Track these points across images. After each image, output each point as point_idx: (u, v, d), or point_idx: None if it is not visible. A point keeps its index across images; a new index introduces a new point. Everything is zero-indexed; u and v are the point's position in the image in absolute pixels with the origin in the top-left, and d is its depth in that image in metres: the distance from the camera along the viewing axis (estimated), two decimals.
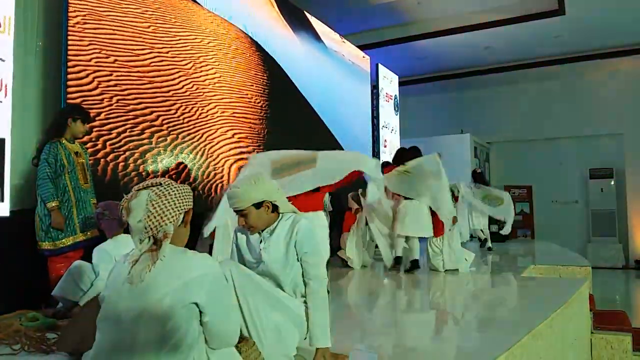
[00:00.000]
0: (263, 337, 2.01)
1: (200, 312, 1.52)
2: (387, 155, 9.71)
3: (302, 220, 2.22)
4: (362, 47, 9.46)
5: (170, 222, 1.54)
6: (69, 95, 3.89)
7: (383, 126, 9.66)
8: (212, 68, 5.52)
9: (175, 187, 1.59)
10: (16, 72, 3.46)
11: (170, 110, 4.89)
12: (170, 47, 4.98)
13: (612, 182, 11.22)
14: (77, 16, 4.02)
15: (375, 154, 9.40)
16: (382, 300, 4.32)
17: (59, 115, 3.61)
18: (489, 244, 7.70)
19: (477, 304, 4.09)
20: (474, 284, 4.94)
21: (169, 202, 1.55)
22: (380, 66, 9.68)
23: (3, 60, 3.33)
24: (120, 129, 4.34)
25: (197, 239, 4.21)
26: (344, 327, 3.04)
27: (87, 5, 4.13)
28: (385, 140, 9.75)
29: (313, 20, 7.64)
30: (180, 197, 1.58)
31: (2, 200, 3.29)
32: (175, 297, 1.47)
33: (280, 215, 2.23)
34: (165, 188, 1.57)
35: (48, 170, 3.35)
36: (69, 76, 3.92)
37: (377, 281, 5.23)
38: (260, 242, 2.21)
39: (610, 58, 10.35)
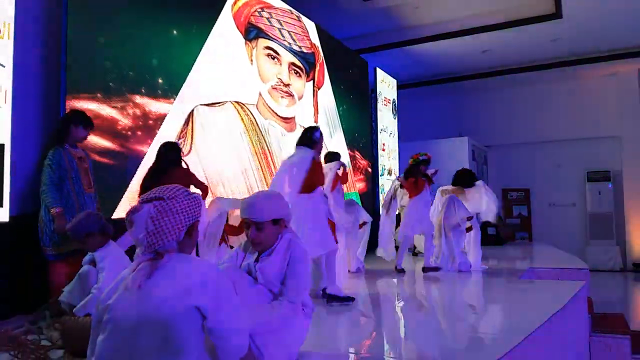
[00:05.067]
0: (265, 341, 2.00)
1: (204, 317, 1.50)
2: (385, 158, 9.74)
3: (299, 243, 2.21)
4: (360, 51, 9.50)
5: (170, 239, 1.53)
6: (68, 102, 3.91)
7: (381, 130, 9.69)
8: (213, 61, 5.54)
9: (180, 201, 1.56)
10: (16, 78, 3.48)
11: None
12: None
13: (610, 185, 11.25)
14: (76, 22, 4.03)
15: (374, 157, 9.43)
16: (380, 301, 4.33)
17: (61, 121, 3.62)
18: None
19: (475, 307, 4.10)
20: (472, 287, 4.95)
21: (169, 220, 1.52)
22: (378, 70, 9.71)
23: (3, 66, 3.34)
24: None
25: None
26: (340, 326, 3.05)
27: (86, 11, 4.14)
28: (384, 144, 9.77)
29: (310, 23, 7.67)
30: (183, 211, 1.55)
31: (2, 206, 3.30)
32: (176, 301, 1.46)
33: (280, 237, 2.21)
34: (167, 203, 1.54)
35: (52, 176, 3.37)
36: (68, 82, 3.94)
37: (373, 279, 5.24)
38: (256, 262, 2.18)
39: (607, 61, 10.38)
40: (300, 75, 7.19)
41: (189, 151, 5.10)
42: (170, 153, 4.05)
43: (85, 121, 3.61)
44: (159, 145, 4.13)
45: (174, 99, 4.99)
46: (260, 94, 6.35)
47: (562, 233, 11.38)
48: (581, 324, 4.13)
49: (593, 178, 11.39)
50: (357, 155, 8.83)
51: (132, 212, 1.54)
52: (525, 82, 11.60)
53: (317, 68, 7.70)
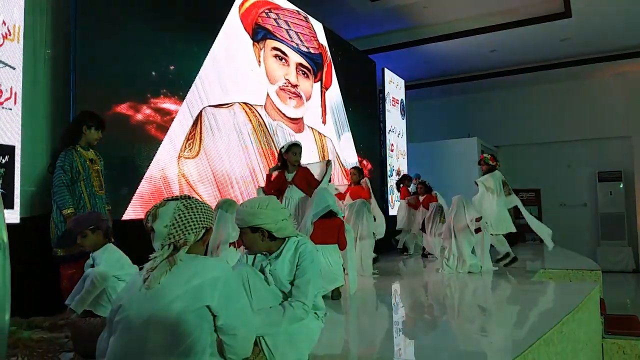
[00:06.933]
0: (276, 342, 2.00)
1: (214, 315, 1.52)
2: (393, 159, 9.71)
3: (308, 243, 2.20)
4: (368, 52, 9.48)
5: (193, 232, 1.61)
6: (77, 104, 3.92)
7: (390, 130, 9.66)
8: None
9: (201, 203, 1.69)
10: (26, 80, 3.49)
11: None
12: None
13: (621, 185, 11.15)
14: (85, 24, 4.05)
15: (382, 158, 9.41)
16: (390, 302, 4.30)
17: (73, 122, 3.63)
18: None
19: (487, 308, 4.07)
20: (484, 288, 4.91)
21: (194, 215, 1.64)
22: (386, 70, 9.69)
23: (13, 68, 3.36)
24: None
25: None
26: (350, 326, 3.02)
27: (95, 13, 4.16)
28: (392, 145, 9.74)
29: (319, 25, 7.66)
30: (204, 213, 1.67)
31: (13, 208, 3.32)
32: (186, 300, 1.47)
33: (287, 239, 2.19)
34: (192, 202, 1.67)
35: (64, 177, 3.38)
36: (77, 84, 3.95)
37: (383, 281, 5.21)
38: (267, 265, 2.18)
39: (617, 60, 10.29)
40: (308, 76, 7.18)
41: (198, 152, 5.11)
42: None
43: (98, 122, 3.62)
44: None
45: (182, 101, 4.99)
46: (268, 95, 6.35)
47: (573, 234, 11.25)
48: (594, 326, 4.08)
49: (604, 178, 11.28)
50: (364, 161, 8.79)
51: (158, 206, 1.64)
52: (535, 81, 11.52)
53: (325, 69, 7.69)
